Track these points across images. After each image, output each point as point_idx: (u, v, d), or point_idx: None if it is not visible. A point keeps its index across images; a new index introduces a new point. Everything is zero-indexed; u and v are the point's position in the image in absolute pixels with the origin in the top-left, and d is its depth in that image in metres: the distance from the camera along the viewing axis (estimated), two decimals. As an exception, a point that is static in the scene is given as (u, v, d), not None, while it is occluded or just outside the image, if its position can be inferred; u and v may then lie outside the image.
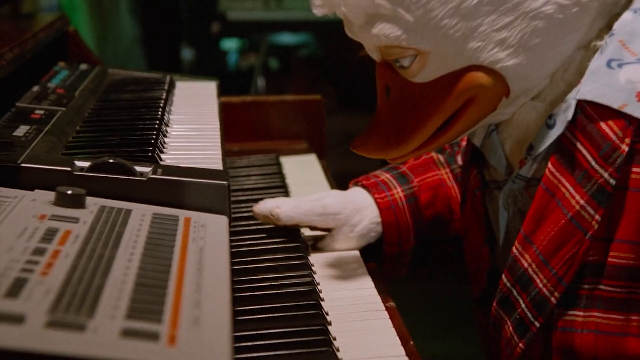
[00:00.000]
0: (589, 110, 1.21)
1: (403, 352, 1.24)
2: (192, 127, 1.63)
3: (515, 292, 1.30)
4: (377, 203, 1.53)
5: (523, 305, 1.28)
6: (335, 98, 5.39)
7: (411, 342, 1.29)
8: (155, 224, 1.16)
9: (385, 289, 1.46)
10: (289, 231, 1.58)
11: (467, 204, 1.45)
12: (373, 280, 1.46)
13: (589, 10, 1.21)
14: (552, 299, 1.25)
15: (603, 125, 1.20)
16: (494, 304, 1.34)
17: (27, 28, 1.98)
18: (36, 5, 3.01)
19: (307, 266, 1.43)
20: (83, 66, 1.90)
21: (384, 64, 1.27)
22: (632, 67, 1.20)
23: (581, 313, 1.24)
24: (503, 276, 1.31)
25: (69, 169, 1.23)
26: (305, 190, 1.79)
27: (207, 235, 1.16)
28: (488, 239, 1.39)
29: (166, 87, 1.83)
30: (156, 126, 1.51)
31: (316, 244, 1.55)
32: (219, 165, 1.40)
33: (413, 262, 1.58)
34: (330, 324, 1.29)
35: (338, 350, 1.21)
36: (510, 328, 1.31)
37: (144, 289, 0.95)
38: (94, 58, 2.14)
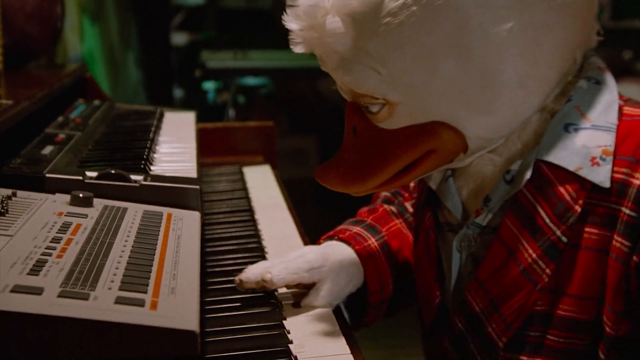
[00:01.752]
0: (546, 170, 1.05)
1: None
2: (175, 146, 1.61)
3: (465, 333, 1.13)
4: (358, 253, 1.24)
5: (472, 346, 1.12)
6: (287, 124, 5.46)
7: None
8: (145, 218, 1.16)
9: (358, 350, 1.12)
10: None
11: (419, 243, 1.24)
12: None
13: (549, 81, 1.05)
14: (500, 343, 1.08)
15: (559, 185, 1.04)
16: (446, 341, 1.18)
17: (56, 74, 1.96)
18: (65, 57, 2.97)
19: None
20: (96, 102, 1.89)
21: (353, 106, 1.07)
22: (587, 133, 1.04)
23: (526, 358, 1.08)
24: (455, 317, 1.14)
25: (81, 177, 1.22)
26: (261, 192, 1.74)
27: (184, 226, 1.16)
28: (439, 277, 1.18)
29: (157, 117, 1.82)
30: (147, 145, 1.50)
31: (299, 302, 1.21)
32: (193, 174, 1.39)
33: (390, 308, 1.30)
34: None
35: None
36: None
37: (134, 266, 0.95)
38: (105, 96, 2.14)
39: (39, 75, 1.99)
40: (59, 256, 0.92)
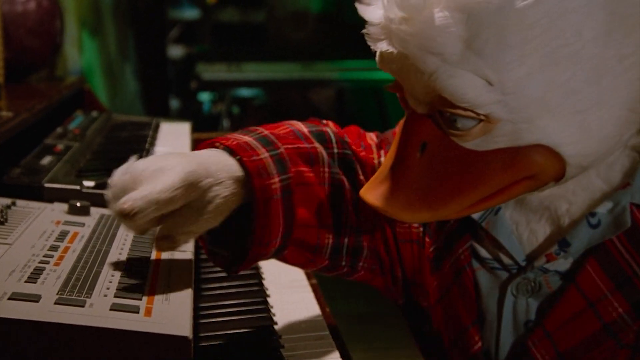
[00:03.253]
0: (639, 215, 0.90)
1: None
2: None
3: None
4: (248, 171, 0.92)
5: None
6: None
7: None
8: None
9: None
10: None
11: (445, 274, 1.03)
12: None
13: None
14: None
15: None
16: None
17: (55, 87, 1.98)
18: (65, 69, 3.00)
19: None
20: (94, 113, 1.89)
21: (424, 118, 0.86)
22: None
23: None
24: None
25: (78, 187, 1.21)
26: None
27: None
28: (478, 319, 1.01)
29: (153, 127, 1.83)
30: (143, 155, 1.46)
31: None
32: None
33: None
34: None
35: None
36: None
37: (129, 274, 0.93)
38: (103, 107, 2.15)
39: (39, 88, 2.00)
40: (57, 264, 0.91)
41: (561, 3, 0.78)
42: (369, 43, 0.85)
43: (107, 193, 0.89)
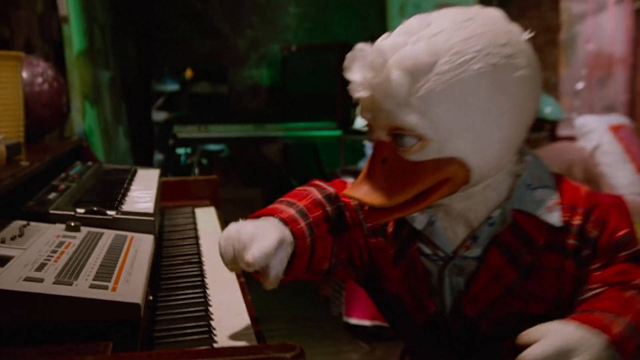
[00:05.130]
0: (518, 216, 1.03)
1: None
2: (142, 192, 1.56)
3: (462, 330, 1.09)
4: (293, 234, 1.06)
5: (465, 337, 1.09)
6: (239, 179, 5.45)
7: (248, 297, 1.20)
8: (115, 239, 1.15)
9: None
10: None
11: (402, 266, 1.12)
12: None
13: (517, 146, 1.04)
14: (488, 334, 1.07)
15: (527, 226, 1.03)
16: (442, 336, 1.11)
17: (61, 144, 1.95)
18: (72, 130, 2.96)
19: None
20: (89, 163, 1.88)
21: (384, 142, 0.99)
22: (542, 191, 1.04)
23: (507, 343, 1.04)
24: (453, 320, 1.09)
25: (73, 213, 1.22)
26: (206, 225, 1.71)
27: (141, 245, 1.15)
28: (429, 292, 1.10)
29: (131, 173, 1.80)
30: (121, 192, 1.50)
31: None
32: (150, 211, 1.35)
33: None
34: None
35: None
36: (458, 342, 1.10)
37: (104, 268, 0.98)
38: (96, 159, 2.13)
39: (49, 145, 1.94)
40: (55, 261, 0.96)
41: (464, 72, 0.93)
42: (351, 93, 0.99)
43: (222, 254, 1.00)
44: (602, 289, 1.01)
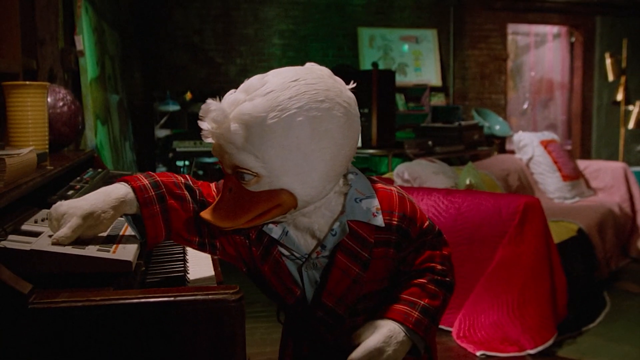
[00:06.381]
0: (353, 225, 1.08)
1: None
2: None
3: (324, 316, 1.13)
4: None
5: (327, 321, 1.14)
6: None
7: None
8: (116, 222, 1.15)
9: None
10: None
11: (269, 264, 1.14)
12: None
13: (340, 174, 1.08)
14: (345, 317, 1.13)
15: (361, 230, 1.09)
16: (308, 321, 1.16)
17: (77, 155, 1.98)
18: (86, 144, 2.95)
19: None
20: (99, 170, 1.87)
21: (230, 176, 1.04)
22: (366, 201, 1.09)
23: (359, 318, 1.14)
24: (315, 309, 1.13)
25: None
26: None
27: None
28: (294, 282, 1.13)
29: None
30: None
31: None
32: None
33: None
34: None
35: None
36: (321, 329, 1.16)
37: (107, 239, 1.07)
38: (105, 167, 2.10)
39: (68, 155, 1.97)
40: None
41: (289, 124, 0.98)
42: (204, 139, 1.03)
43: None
44: (413, 273, 1.15)
